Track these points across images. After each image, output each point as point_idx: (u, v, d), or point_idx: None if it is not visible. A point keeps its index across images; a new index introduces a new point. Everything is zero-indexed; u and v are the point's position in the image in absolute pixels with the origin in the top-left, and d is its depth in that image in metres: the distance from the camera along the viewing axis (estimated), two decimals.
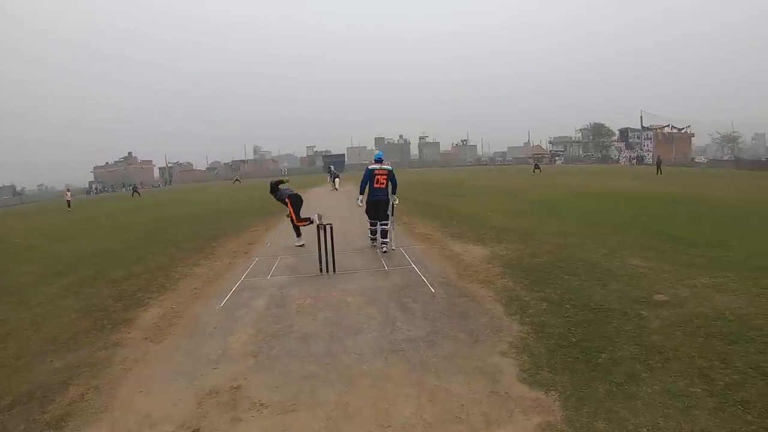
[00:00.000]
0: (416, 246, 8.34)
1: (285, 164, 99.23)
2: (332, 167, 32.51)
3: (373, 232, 8.44)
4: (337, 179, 27.94)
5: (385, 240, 7.99)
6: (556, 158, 79.69)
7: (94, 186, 73.90)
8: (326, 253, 6.75)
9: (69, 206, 29.00)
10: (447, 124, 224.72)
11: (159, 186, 71.16)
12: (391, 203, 8.07)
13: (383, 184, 8.14)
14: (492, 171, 50.73)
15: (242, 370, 3.75)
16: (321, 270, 6.77)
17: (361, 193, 8.26)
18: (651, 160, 53.75)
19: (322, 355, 3.98)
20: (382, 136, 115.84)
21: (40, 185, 77.57)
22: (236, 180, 55.31)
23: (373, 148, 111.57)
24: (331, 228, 6.81)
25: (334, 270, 6.75)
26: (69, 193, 31.54)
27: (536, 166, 40.65)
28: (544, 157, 75.94)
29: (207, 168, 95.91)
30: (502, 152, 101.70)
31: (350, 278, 6.45)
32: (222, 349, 4.21)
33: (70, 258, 9.68)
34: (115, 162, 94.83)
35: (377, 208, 8.11)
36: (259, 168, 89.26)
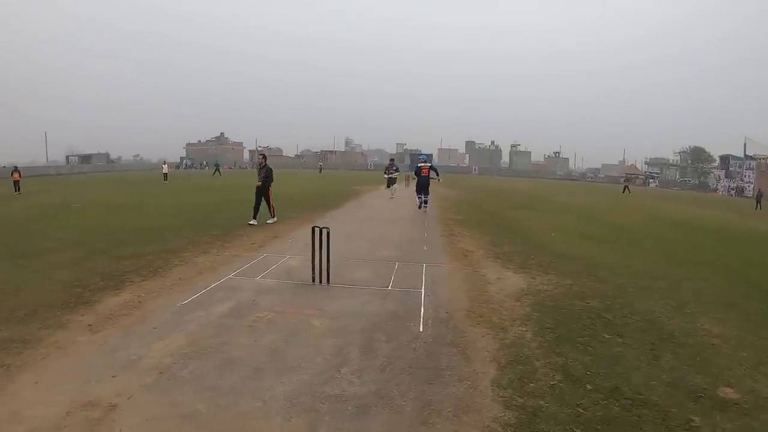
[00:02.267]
0: (444, 264, 7.17)
1: (376, 158, 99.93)
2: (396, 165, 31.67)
3: (419, 203, 14.76)
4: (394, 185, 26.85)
5: (426, 206, 14.66)
6: (650, 180, 73.38)
7: (184, 161, 78.02)
8: (320, 261, 5.90)
9: (165, 179, 30.44)
10: (541, 134, 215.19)
11: (246, 168, 74.21)
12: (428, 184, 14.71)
13: (427, 173, 14.71)
14: (579, 187, 47.38)
15: (134, 387, 3.23)
16: (313, 279, 5.92)
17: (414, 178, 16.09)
18: (751, 192, 49.16)
19: (224, 391, 3.20)
20: (473, 140, 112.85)
21: (136, 155, 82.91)
22: (320, 168, 56.52)
23: (464, 151, 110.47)
24: (328, 233, 5.84)
25: (328, 281, 5.86)
26: (166, 166, 33.05)
27: (626, 187, 37.16)
28: (637, 177, 70.35)
29: (295, 155, 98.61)
30: (596, 169, 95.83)
31: (339, 294, 5.51)
32: (138, 356, 3.71)
33: (104, 229, 9.89)
34: (206, 141, 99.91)
35: (422, 187, 14.67)
36: (347, 159, 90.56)
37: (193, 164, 73.83)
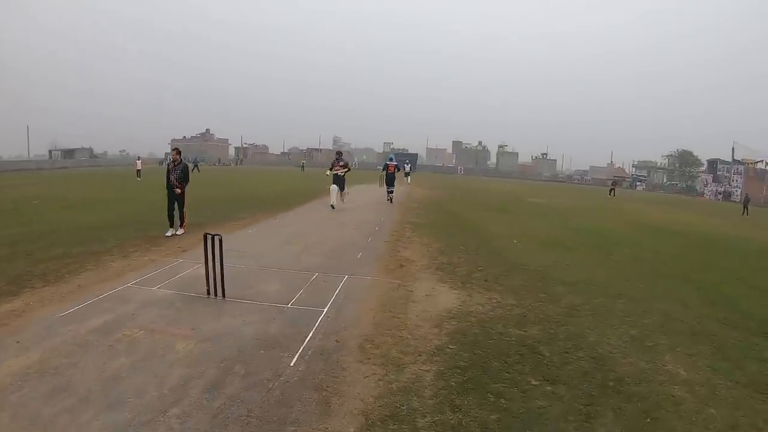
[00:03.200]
0: (371, 277, 6.26)
1: (364, 157, 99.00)
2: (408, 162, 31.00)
3: (388, 193, 17.18)
4: (408, 176, 26.65)
5: (392, 195, 17.07)
6: (638, 183, 72.33)
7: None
8: (213, 271, 5.10)
9: (138, 176, 29.24)
10: (528, 134, 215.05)
11: (228, 164, 72.88)
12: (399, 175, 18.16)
13: (392, 170, 17.59)
14: (563, 189, 45.69)
15: None
16: (208, 292, 5.14)
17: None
18: (738, 197, 48.03)
19: (38, 423, 2.78)
20: (460, 140, 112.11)
21: (122, 151, 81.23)
22: (302, 166, 55.20)
23: (451, 151, 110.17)
24: (221, 240, 5.03)
25: (224, 295, 5.08)
26: (139, 162, 31.90)
27: (612, 190, 36.47)
28: (624, 180, 69.45)
29: (281, 153, 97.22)
30: (583, 171, 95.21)
31: (227, 311, 4.76)
32: None
33: (46, 227, 9.31)
34: (191, 137, 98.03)
35: (389, 182, 17.30)
36: (332, 158, 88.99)
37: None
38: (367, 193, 20.33)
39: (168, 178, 8.98)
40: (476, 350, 3.93)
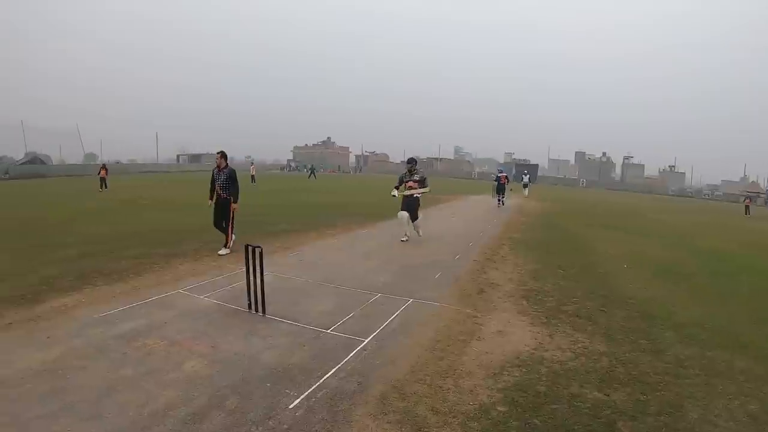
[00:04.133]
0: (440, 303, 5.47)
1: (485, 167, 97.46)
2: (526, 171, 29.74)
3: (499, 200, 19.52)
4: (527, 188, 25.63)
5: (502, 204, 19.11)
6: None
7: (291, 164, 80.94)
8: (255, 285, 4.79)
9: (253, 180, 31.16)
10: (656, 145, 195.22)
11: (348, 172, 75.64)
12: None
13: (504, 181, 19.85)
14: (690, 205, 38.83)
15: None
16: (249, 307, 4.87)
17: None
18: None
19: (16, 424, 2.76)
20: (583, 150, 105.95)
21: (248, 157, 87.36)
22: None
23: (574, 163, 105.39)
24: (261, 253, 4.69)
25: (264, 311, 4.76)
26: (252, 167, 34.20)
27: (746, 207, 30.41)
28: (758, 196, 58.41)
29: (401, 161, 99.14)
30: (714, 185, 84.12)
31: (258, 330, 4.39)
32: (7, 362, 3.51)
33: (142, 227, 10.15)
34: (313, 145, 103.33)
35: (500, 190, 19.76)
36: (454, 168, 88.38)
37: (296, 167, 76.39)
38: (476, 205, 19.45)
39: (213, 186, 7.82)
40: (532, 418, 3.03)
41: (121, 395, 3.10)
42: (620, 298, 6.02)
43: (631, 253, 9.46)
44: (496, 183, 20.34)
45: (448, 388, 3.36)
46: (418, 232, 9.65)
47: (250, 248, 4.74)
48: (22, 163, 46.59)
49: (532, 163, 77.45)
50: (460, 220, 13.90)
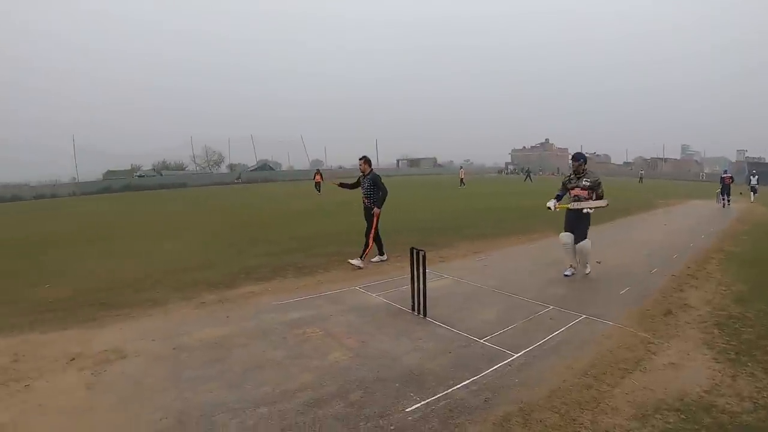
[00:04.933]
0: (615, 322, 4.51)
1: (717, 167, 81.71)
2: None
3: (724, 202, 17.69)
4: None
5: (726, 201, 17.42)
6: None
7: (508, 167, 79.53)
8: (418, 287, 4.76)
9: (462, 184, 32.46)
10: None
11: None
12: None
13: (728, 182, 18.16)
14: None
15: (150, 351, 3.93)
16: (412, 308, 4.89)
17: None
18: None
19: (156, 389, 3.27)
20: None
21: (467, 160, 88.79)
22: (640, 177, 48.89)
23: None
24: (424, 256, 4.63)
25: (425, 314, 4.70)
26: (462, 171, 35.03)
27: None
28: None
29: (623, 162, 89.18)
30: None
31: (409, 330, 4.37)
32: (187, 332, 4.31)
33: (343, 227, 10.45)
34: (531, 147, 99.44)
35: (723, 191, 18.23)
36: (680, 169, 76.34)
37: (514, 170, 74.91)
38: (695, 210, 16.00)
39: (352, 186, 7.74)
40: None
41: (265, 372, 3.45)
42: None
43: None
44: (721, 184, 19.74)
45: (582, 423, 2.74)
46: (584, 264, 6.43)
47: (414, 251, 4.76)
48: (253, 170, 56.26)
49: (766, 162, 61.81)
50: (671, 228, 11.61)
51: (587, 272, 6.42)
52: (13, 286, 6.38)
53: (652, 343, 4.02)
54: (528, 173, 45.69)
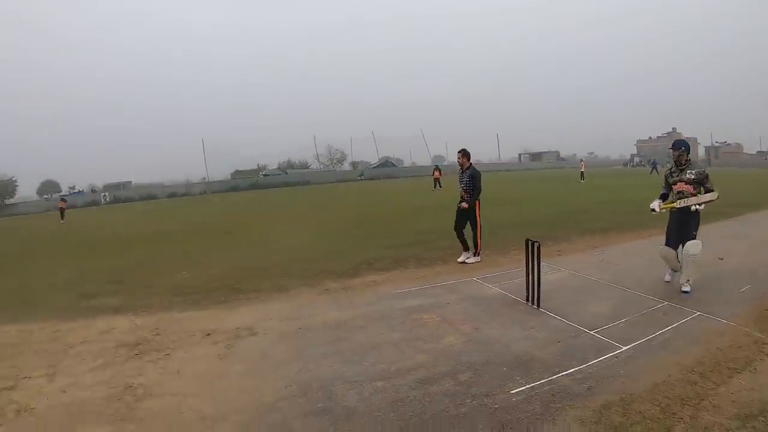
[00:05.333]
0: (729, 321, 4.22)
1: None
2: None
3: None
4: None
5: None
6: None
7: (634, 159, 73.13)
8: (532, 278, 4.89)
9: (582, 177, 31.11)
10: None
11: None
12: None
13: None
14: None
15: (276, 328, 4.62)
16: (527, 299, 5.02)
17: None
18: None
19: (271, 363, 3.77)
20: None
21: (591, 153, 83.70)
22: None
23: None
24: (538, 247, 4.72)
25: (538, 304, 4.82)
26: (582, 164, 34.13)
27: None
28: None
29: (757, 152, 77.84)
30: None
31: (523, 320, 4.50)
32: (311, 315, 4.84)
33: (433, 227, 11.01)
34: (657, 137, 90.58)
35: None
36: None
37: (640, 162, 68.76)
38: None
39: (460, 184, 7.40)
40: None
41: (382, 352, 3.86)
42: None
43: None
44: None
45: (681, 417, 2.73)
46: (688, 271, 5.09)
47: (529, 243, 4.89)
48: (375, 167, 57.70)
49: None
50: None
51: (685, 290, 5.02)
52: (161, 268, 7.77)
53: (766, 344, 3.74)
54: (654, 165, 42.36)
